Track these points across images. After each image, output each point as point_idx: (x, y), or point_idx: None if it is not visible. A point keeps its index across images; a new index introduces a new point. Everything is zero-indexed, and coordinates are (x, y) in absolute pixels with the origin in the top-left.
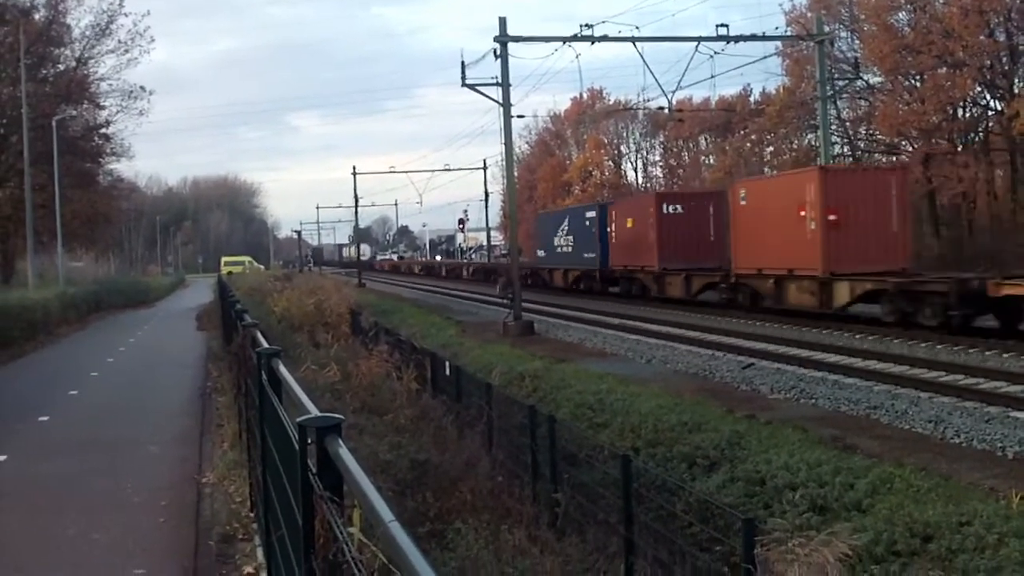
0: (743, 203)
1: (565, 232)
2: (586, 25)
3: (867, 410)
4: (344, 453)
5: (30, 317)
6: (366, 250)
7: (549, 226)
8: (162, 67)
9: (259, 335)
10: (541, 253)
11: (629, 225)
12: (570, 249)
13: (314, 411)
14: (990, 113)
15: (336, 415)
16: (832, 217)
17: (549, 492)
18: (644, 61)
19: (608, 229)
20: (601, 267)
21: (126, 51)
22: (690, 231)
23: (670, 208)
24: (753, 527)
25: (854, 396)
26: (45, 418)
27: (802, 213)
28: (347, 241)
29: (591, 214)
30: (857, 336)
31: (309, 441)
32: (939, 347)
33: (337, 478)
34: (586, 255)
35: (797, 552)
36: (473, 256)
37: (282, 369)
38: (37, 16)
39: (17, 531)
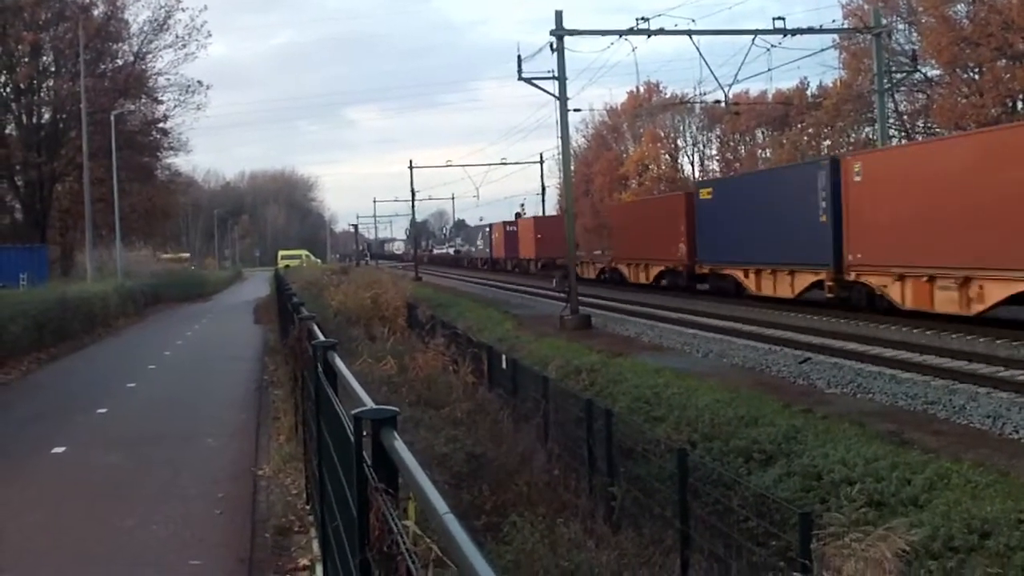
0: (516, 229)
1: (481, 238)
2: (642, 18)
3: (924, 405)
4: (399, 445)
5: (89, 310)
6: (400, 245)
7: (476, 234)
8: (220, 61)
9: (315, 328)
10: (473, 249)
11: (496, 236)
12: (483, 247)
13: (369, 403)
14: None
15: (391, 407)
16: (539, 236)
17: (605, 486)
18: (701, 54)
19: (491, 237)
20: (490, 257)
21: (183, 46)
22: (517, 240)
23: (509, 228)
24: (810, 521)
25: (911, 391)
26: (104, 410)
27: (529, 235)
28: (404, 235)
29: (487, 229)
30: (915, 331)
31: (364, 433)
32: (998, 342)
33: (392, 470)
34: (485, 250)
35: (854, 547)
36: None
37: (338, 361)
38: (96, 12)
39: (78, 521)
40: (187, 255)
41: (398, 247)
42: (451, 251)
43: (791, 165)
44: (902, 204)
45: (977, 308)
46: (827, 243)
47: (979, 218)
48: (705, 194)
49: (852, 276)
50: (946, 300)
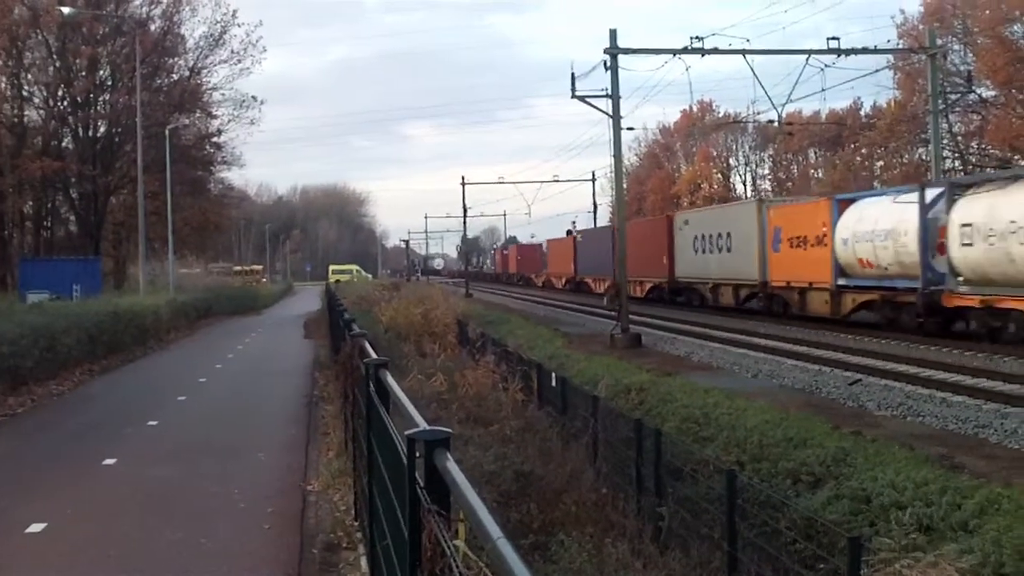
0: (508, 253)
1: (490, 258)
2: (696, 37)
3: (975, 429)
4: (452, 467)
5: (141, 323)
6: (440, 262)
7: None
8: (275, 76)
9: (367, 345)
10: (485, 267)
11: (497, 257)
12: (490, 265)
13: (422, 424)
14: None
15: (444, 429)
16: (519, 258)
17: (653, 506)
18: (754, 74)
19: (495, 258)
20: (494, 272)
21: (239, 61)
22: (508, 261)
23: (504, 252)
24: (859, 546)
25: (962, 414)
26: (154, 423)
27: (513, 257)
28: (455, 251)
29: (492, 252)
30: (966, 353)
31: (417, 454)
32: None
33: (444, 492)
34: (492, 268)
35: (904, 573)
36: None
37: (390, 380)
38: (153, 27)
39: (127, 533)
40: (260, 267)
41: (438, 263)
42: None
43: (605, 226)
44: (633, 249)
45: (642, 294)
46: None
47: (644, 257)
48: (579, 237)
49: None
50: (639, 292)
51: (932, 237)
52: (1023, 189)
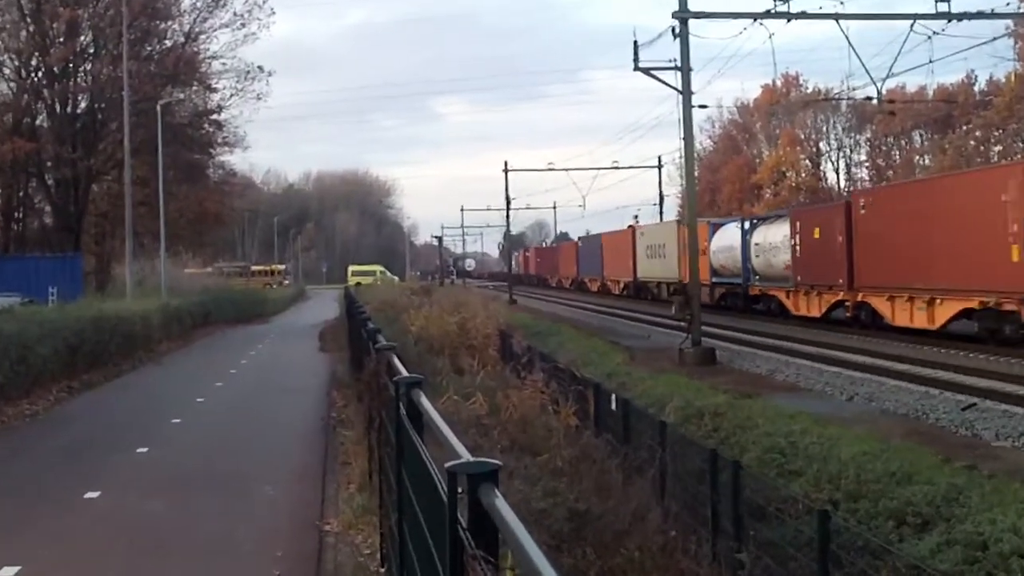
0: (531, 255)
1: (514, 260)
2: None
3: None
4: (501, 505)
5: (128, 331)
6: (471, 263)
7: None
8: (285, 43)
9: (396, 361)
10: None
11: (519, 258)
12: (515, 267)
13: (465, 455)
14: None
15: (492, 460)
16: (539, 260)
17: (731, 551)
18: (849, 42)
19: (518, 260)
20: (516, 273)
21: (242, 25)
22: (528, 262)
23: (526, 254)
24: None
25: None
26: (144, 450)
27: (533, 258)
28: (497, 249)
29: (516, 253)
30: None
31: (460, 490)
32: None
33: (492, 535)
34: (517, 270)
35: None
36: None
37: (425, 403)
38: None
39: None
40: (282, 266)
41: (469, 264)
42: None
43: (597, 234)
44: (610, 255)
45: (617, 291)
46: (599, 269)
47: (617, 261)
48: (580, 243)
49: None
50: (616, 289)
51: (747, 251)
52: (778, 224)
